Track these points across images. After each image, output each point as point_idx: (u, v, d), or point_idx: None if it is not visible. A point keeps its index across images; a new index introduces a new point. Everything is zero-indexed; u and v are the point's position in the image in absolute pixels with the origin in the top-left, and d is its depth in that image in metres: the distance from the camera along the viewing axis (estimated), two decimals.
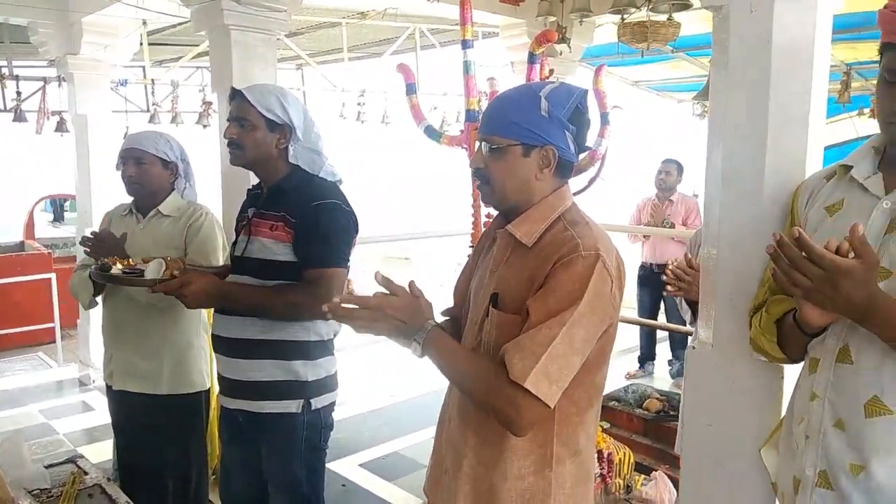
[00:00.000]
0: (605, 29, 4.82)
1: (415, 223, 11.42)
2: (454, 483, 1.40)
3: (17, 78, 5.98)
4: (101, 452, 3.36)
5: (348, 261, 1.90)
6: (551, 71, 2.73)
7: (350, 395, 2.11)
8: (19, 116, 6.04)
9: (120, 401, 2.37)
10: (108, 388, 2.40)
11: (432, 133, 3.28)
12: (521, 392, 1.19)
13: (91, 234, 2.24)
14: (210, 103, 6.59)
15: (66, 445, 3.93)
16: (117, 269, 1.96)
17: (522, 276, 1.31)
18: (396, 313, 1.25)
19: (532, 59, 2.58)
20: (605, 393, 2.87)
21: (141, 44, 5.43)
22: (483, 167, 1.36)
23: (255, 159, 1.94)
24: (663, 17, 3.62)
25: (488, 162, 1.34)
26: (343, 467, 3.59)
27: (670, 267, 2.01)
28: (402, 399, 4.71)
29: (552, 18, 4.14)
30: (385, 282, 1.28)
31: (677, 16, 3.67)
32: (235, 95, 1.93)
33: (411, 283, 1.32)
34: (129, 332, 2.30)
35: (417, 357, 1.30)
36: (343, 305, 1.26)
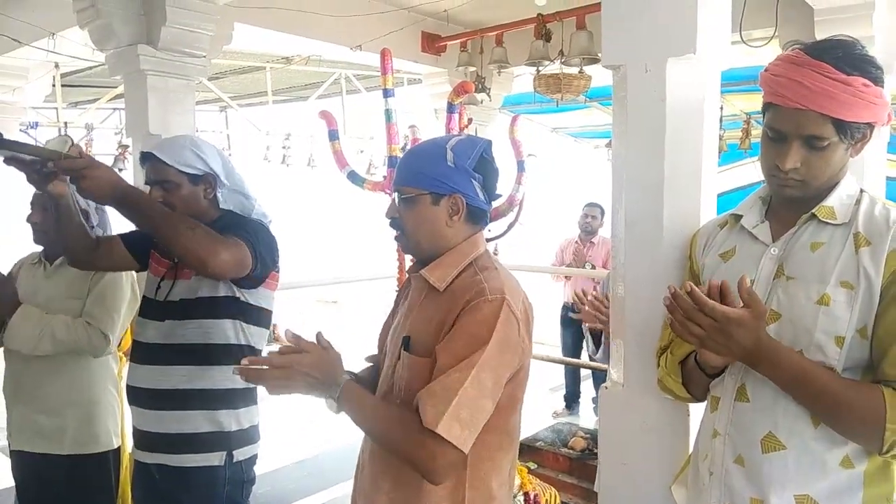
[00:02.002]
0: (523, 79, 5.03)
1: (343, 267, 11.33)
2: None
3: None
4: None
5: (256, 257, 1.79)
6: (470, 120, 2.83)
7: (275, 445, 2.05)
8: None
9: (20, 462, 2.23)
10: (11, 449, 2.25)
11: (356, 178, 3.30)
12: (434, 438, 1.20)
13: None
14: (126, 146, 6.41)
15: None
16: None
17: (433, 320, 1.34)
18: (309, 370, 1.25)
19: (451, 108, 2.66)
20: (531, 433, 2.89)
21: (53, 86, 5.26)
22: (397, 216, 1.40)
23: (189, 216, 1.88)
24: (575, 70, 3.82)
25: (402, 211, 1.39)
26: None
27: (590, 298, 2.11)
28: (329, 449, 4.59)
29: (472, 68, 4.30)
30: (294, 339, 1.29)
31: (588, 69, 3.88)
32: (147, 158, 1.87)
33: (318, 335, 1.33)
34: (29, 387, 2.19)
35: (334, 413, 1.30)
36: (253, 367, 1.25)
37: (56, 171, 1.61)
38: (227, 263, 1.69)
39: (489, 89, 4.34)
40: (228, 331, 1.87)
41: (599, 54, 3.67)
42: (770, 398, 1.28)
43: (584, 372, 5.46)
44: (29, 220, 2.20)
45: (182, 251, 1.66)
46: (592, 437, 3.46)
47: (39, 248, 2.28)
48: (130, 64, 3.15)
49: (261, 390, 1.99)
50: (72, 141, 1.61)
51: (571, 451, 3.33)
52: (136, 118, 3.24)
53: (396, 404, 1.34)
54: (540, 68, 3.87)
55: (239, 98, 7.94)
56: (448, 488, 1.33)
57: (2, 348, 2.33)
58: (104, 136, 6.65)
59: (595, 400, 5.28)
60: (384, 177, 3.16)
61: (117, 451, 2.31)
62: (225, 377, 1.87)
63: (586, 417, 5.22)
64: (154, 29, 3.12)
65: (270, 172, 7.52)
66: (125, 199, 1.64)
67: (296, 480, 4.04)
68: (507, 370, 1.30)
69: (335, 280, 6.78)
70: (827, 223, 1.29)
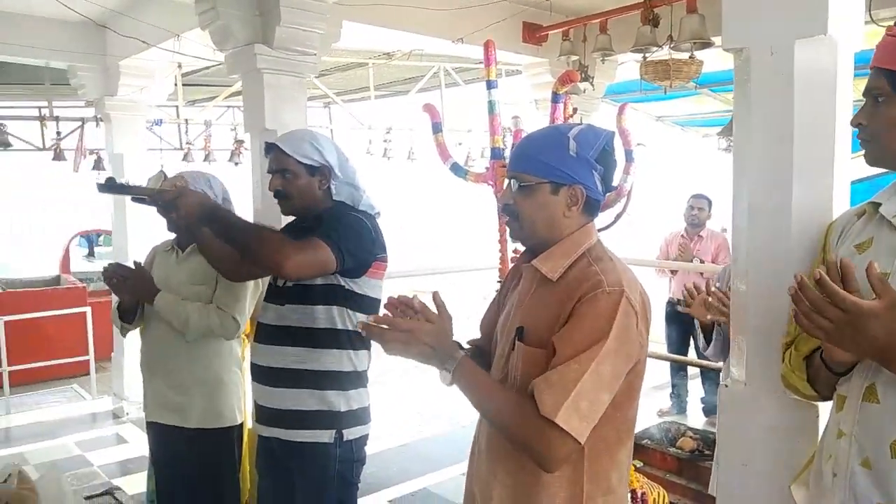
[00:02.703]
0: (627, 66, 4.89)
1: (441, 258, 11.48)
2: None
3: (56, 118, 6.23)
4: (135, 485, 3.40)
5: (342, 255, 1.87)
6: (575, 109, 2.78)
7: (379, 429, 2.12)
8: (58, 155, 6.27)
9: (154, 432, 2.43)
10: (146, 420, 2.45)
11: (458, 170, 3.33)
12: (551, 427, 1.20)
13: (111, 265, 2.29)
14: (241, 142, 6.78)
15: (101, 477, 3.98)
16: (122, 182, 2.03)
17: (547, 311, 1.33)
18: (428, 339, 1.27)
19: (556, 98, 2.63)
20: (637, 431, 2.83)
21: (175, 85, 5.63)
22: (512, 203, 1.40)
23: (302, 205, 2.02)
24: (685, 56, 3.67)
25: (517, 199, 1.38)
26: (372, 503, 3.58)
27: (713, 289, 2.05)
28: (431, 435, 4.69)
29: (574, 57, 4.22)
30: (422, 307, 1.32)
31: (699, 53, 3.72)
32: (271, 149, 2.02)
33: (435, 294, 1.36)
34: (163, 365, 2.36)
35: (446, 385, 1.32)
36: (377, 326, 1.29)
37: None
38: (302, 267, 1.81)
39: (592, 78, 4.26)
40: (335, 317, 1.96)
41: (712, 38, 3.53)
42: None
43: (691, 370, 5.26)
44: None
45: (260, 257, 1.84)
46: (702, 437, 3.35)
47: (172, 236, 2.45)
48: (247, 63, 3.32)
49: (379, 373, 2.08)
50: (164, 176, 1.93)
51: (680, 452, 3.24)
52: (253, 114, 3.42)
53: (511, 388, 1.35)
54: (647, 55, 3.74)
55: (342, 94, 8.20)
56: (567, 480, 1.32)
57: (137, 329, 2.55)
58: (221, 133, 7.05)
59: (704, 400, 5.09)
60: (487, 168, 3.18)
61: (240, 427, 2.46)
62: (333, 359, 1.96)
63: (694, 417, 5.03)
64: (269, 29, 3.28)
65: (372, 166, 7.71)
66: (212, 216, 1.88)
67: (399, 464, 4.14)
68: (625, 363, 1.28)
69: (435, 270, 6.87)
70: None
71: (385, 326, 1.28)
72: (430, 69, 6.99)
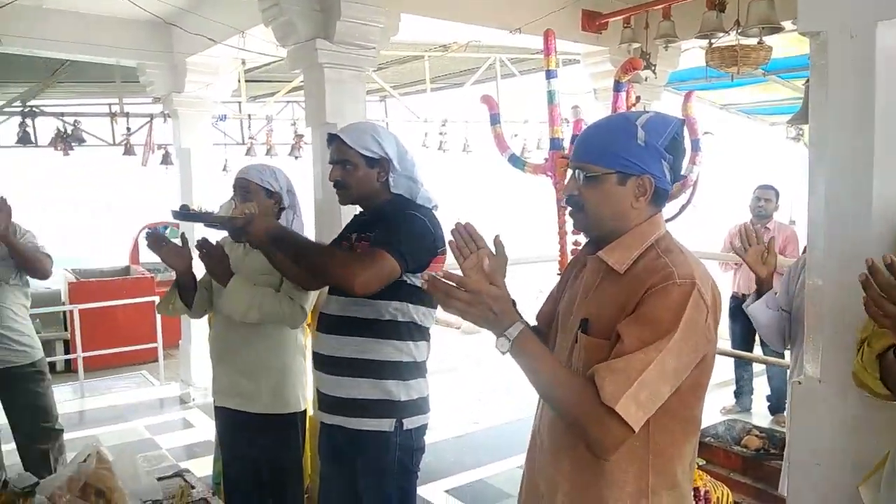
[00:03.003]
0: (691, 53, 4.75)
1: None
2: None
3: (127, 115, 6.49)
4: (201, 468, 3.52)
5: (405, 261, 1.90)
6: (638, 98, 2.72)
7: (434, 419, 2.14)
8: (129, 150, 6.53)
9: (222, 417, 2.51)
10: (215, 404, 2.53)
11: (516, 162, 3.31)
12: (609, 414, 1.19)
13: (202, 239, 2.36)
14: (301, 136, 6.92)
15: (169, 460, 4.15)
16: (194, 209, 2.14)
17: (613, 303, 1.31)
18: (492, 303, 1.23)
19: (618, 86, 2.58)
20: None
21: (239, 81, 5.78)
22: (577, 194, 1.37)
23: (360, 196, 2.07)
24: (754, 41, 3.53)
25: (583, 189, 1.36)
26: (429, 492, 3.61)
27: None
28: (485, 427, 4.70)
29: (636, 45, 4.13)
30: (490, 270, 1.29)
31: (768, 39, 3.58)
32: (333, 140, 2.06)
33: (496, 237, 1.37)
34: (231, 351, 2.43)
35: (502, 352, 1.26)
36: (442, 281, 1.25)
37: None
38: (370, 283, 1.85)
39: (654, 66, 4.15)
40: (396, 310, 1.99)
41: (782, 22, 3.39)
42: None
43: (755, 367, 5.10)
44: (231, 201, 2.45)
45: (329, 278, 1.94)
46: (768, 436, 3.25)
47: None
48: (309, 58, 3.38)
49: (444, 363, 2.10)
50: (235, 203, 2.05)
51: (745, 450, 3.15)
52: (314, 108, 3.48)
53: (571, 370, 1.33)
54: (713, 41, 3.62)
55: (398, 87, 8.25)
56: (632, 473, 1.31)
57: (205, 318, 2.63)
58: (281, 127, 7.20)
59: (770, 397, 4.93)
60: (545, 159, 3.15)
61: (304, 413, 2.52)
62: (393, 350, 1.99)
63: (759, 415, 4.89)
64: (330, 23, 3.32)
65: (428, 158, 7.75)
66: (281, 240, 1.98)
67: (454, 455, 4.17)
68: (691, 358, 1.26)
69: None
70: None
71: (452, 283, 1.25)
72: (485, 60, 6.95)
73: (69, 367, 6.39)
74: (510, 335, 1.24)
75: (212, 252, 2.33)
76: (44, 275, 3.20)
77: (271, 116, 6.95)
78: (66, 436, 3.37)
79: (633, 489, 1.31)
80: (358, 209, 2.19)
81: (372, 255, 1.88)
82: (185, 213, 2.13)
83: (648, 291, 1.25)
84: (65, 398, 5.46)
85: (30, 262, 3.09)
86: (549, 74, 2.93)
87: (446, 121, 7.73)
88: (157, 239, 2.33)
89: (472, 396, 5.16)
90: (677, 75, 5.00)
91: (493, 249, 1.37)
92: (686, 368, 1.25)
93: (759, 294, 2.26)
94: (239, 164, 3.67)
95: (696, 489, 2.54)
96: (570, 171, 1.41)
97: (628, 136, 1.31)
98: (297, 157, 6.87)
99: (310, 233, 2.63)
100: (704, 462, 3.08)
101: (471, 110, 7.94)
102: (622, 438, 1.21)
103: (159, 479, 2.02)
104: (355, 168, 2.02)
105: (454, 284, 1.24)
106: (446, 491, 3.70)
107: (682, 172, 2.28)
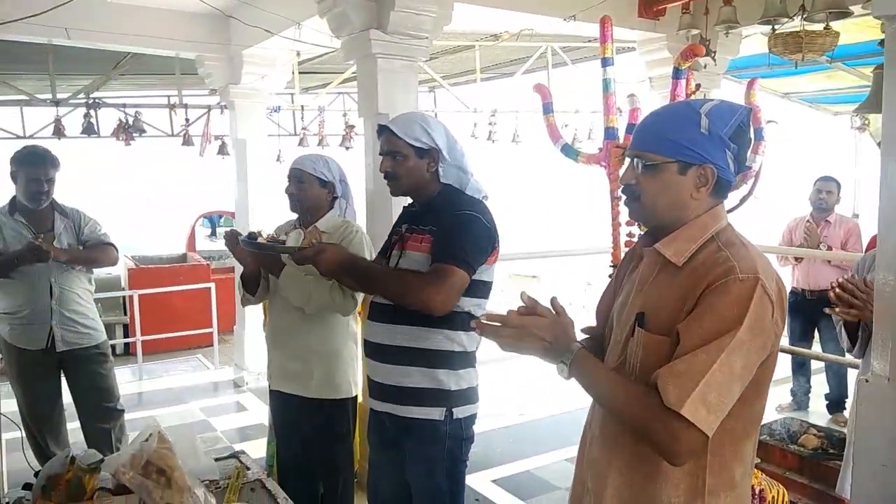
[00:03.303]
0: (752, 40, 4.59)
1: (544, 241, 11.37)
2: None
3: (185, 106, 6.66)
4: (254, 450, 3.61)
5: (472, 269, 1.93)
6: (698, 86, 2.65)
7: (481, 410, 2.14)
8: (187, 141, 6.70)
9: (276, 400, 2.56)
10: (270, 388, 2.58)
11: (569, 151, 3.28)
12: (677, 419, 1.16)
13: (250, 233, 2.37)
14: (352, 127, 6.98)
15: (224, 441, 4.27)
16: (262, 238, 2.15)
17: (671, 297, 1.28)
18: (542, 333, 1.26)
19: (677, 73, 2.52)
20: None
21: (293, 73, 5.86)
22: (634, 183, 1.34)
23: (410, 187, 2.07)
24: (819, 27, 3.39)
25: (640, 178, 1.33)
26: (476, 481, 3.62)
27: (840, 281, 1.89)
28: (532, 418, 4.68)
29: (695, 31, 4.02)
30: (531, 302, 1.31)
31: (835, 24, 3.43)
32: (383, 131, 2.06)
33: (553, 300, 1.33)
34: (285, 336, 2.48)
35: (564, 378, 1.30)
36: (490, 323, 1.29)
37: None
38: (447, 302, 1.90)
39: (714, 53, 4.03)
40: None
41: (850, 7, 3.24)
42: None
43: (813, 365, 4.93)
44: (286, 191, 2.49)
45: (406, 302, 1.94)
46: (826, 435, 3.15)
47: (294, 216, 2.57)
48: (362, 48, 3.40)
49: (489, 354, 2.10)
50: (303, 235, 2.05)
51: (802, 449, 3.06)
52: (367, 99, 3.50)
53: (632, 379, 1.31)
54: (776, 27, 3.49)
55: (448, 77, 8.23)
56: (688, 473, 1.28)
57: (260, 304, 2.69)
58: (332, 119, 7.28)
59: (829, 396, 4.77)
60: (599, 149, 3.10)
61: (354, 399, 2.56)
62: (444, 339, 1.99)
63: (816, 413, 4.73)
64: (384, 14, 3.33)
65: (477, 149, 7.72)
66: (351, 269, 2.03)
67: (501, 446, 4.17)
68: (757, 355, 1.22)
69: (540, 254, 6.80)
70: None
71: (497, 324, 1.28)
72: (537, 49, 6.87)
73: (128, 351, 6.63)
74: (566, 360, 1.27)
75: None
76: (110, 265, 3.33)
77: (323, 107, 7.03)
78: (127, 416, 3.49)
79: (687, 488, 1.28)
80: (407, 200, 2.20)
81: (443, 273, 1.88)
82: (254, 243, 2.16)
83: (709, 287, 1.21)
84: (124, 380, 5.66)
85: (90, 264, 3.23)
86: (605, 62, 2.88)
87: (496, 111, 7.67)
88: (232, 237, 2.38)
89: (518, 388, 5.15)
90: (737, 63, 4.84)
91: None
92: (754, 366, 1.22)
93: (851, 339, 2.14)
94: (292, 154, 3.73)
95: (751, 488, 2.48)
96: (627, 160, 1.38)
97: (691, 124, 1.28)
98: (348, 148, 6.94)
99: (361, 222, 2.64)
100: (759, 460, 3.01)
101: (521, 100, 7.87)
102: (695, 444, 1.18)
103: (217, 459, 2.07)
104: (405, 159, 2.02)
105: (499, 324, 1.27)
106: (493, 481, 3.70)
107: (746, 163, 2.21)
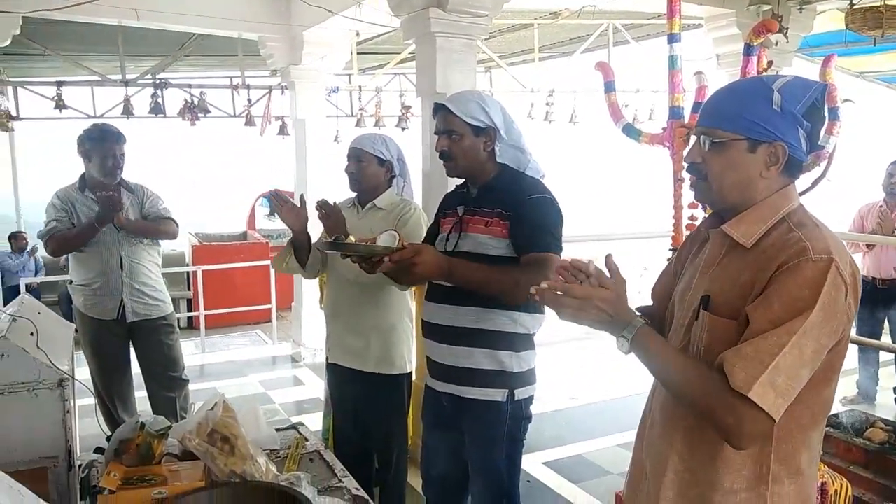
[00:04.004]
0: (827, 15, 4.37)
1: (600, 225, 11.20)
2: (656, 488, 1.36)
3: (248, 87, 6.79)
4: (310, 422, 3.69)
5: (562, 250, 1.94)
6: (770, 63, 2.53)
7: (537, 392, 2.14)
8: (249, 121, 6.84)
9: (334, 374, 2.61)
10: (327, 361, 2.63)
11: (631, 131, 3.19)
12: (743, 402, 1.13)
13: (323, 202, 2.41)
14: (409, 107, 7.00)
15: (282, 414, 4.40)
16: (351, 239, 2.06)
17: (739, 279, 1.24)
18: (605, 306, 1.23)
19: (749, 50, 2.42)
20: None
21: (351, 53, 5.90)
22: (700, 162, 1.30)
23: (467, 167, 2.03)
24: None
25: (707, 156, 1.28)
26: (527, 463, 3.61)
27: None
28: (583, 403, 4.65)
29: (766, 7, 3.86)
30: (597, 273, 1.27)
31: None
32: (439, 109, 2.03)
33: (608, 258, 1.30)
34: (344, 310, 2.52)
35: (623, 352, 1.27)
36: (551, 291, 1.26)
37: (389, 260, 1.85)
38: None
39: (786, 29, 3.85)
40: None
41: None
42: None
43: (882, 356, 4.72)
44: (346, 170, 2.53)
45: (511, 300, 1.89)
46: (895, 429, 3.01)
47: (354, 194, 2.60)
48: (422, 27, 3.39)
49: (539, 337, 2.09)
50: (398, 237, 1.91)
51: (868, 443, 2.94)
52: (425, 78, 3.50)
53: (696, 358, 1.28)
54: (854, 2, 3.32)
55: (505, 57, 8.14)
56: (751, 458, 1.25)
57: (318, 278, 2.73)
58: (389, 99, 7.31)
59: None
60: (663, 129, 3.01)
61: (409, 377, 2.59)
62: (506, 321, 1.97)
63: (884, 406, 4.53)
64: None
65: (533, 130, 7.62)
66: (450, 271, 1.88)
67: (552, 429, 4.16)
68: (829, 339, 1.17)
69: (598, 237, 6.71)
70: None
71: (560, 292, 1.26)
72: (598, 27, 6.71)
73: (191, 325, 6.88)
74: (627, 335, 1.24)
75: (330, 212, 2.39)
76: (170, 238, 3.46)
77: (380, 88, 7.06)
78: (191, 387, 3.62)
79: (750, 474, 1.26)
80: (456, 183, 2.17)
81: (545, 262, 1.85)
82: (341, 245, 2.00)
83: (780, 269, 1.17)
84: (188, 352, 5.83)
85: (151, 235, 3.35)
86: (672, 38, 2.78)
87: (553, 91, 7.55)
88: (279, 198, 2.43)
89: (569, 372, 5.12)
90: (811, 40, 4.62)
91: (605, 272, 1.29)
92: (824, 351, 1.18)
93: None
94: (349, 135, 3.77)
95: None
96: (693, 138, 1.34)
97: (762, 100, 1.23)
98: (404, 129, 6.96)
99: (417, 201, 2.65)
100: (823, 453, 2.91)
101: (579, 80, 7.72)
102: (762, 428, 1.15)
103: (278, 429, 2.14)
104: (461, 138, 1.99)
105: (561, 293, 1.24)
106: (544, 463, 3.71)
107: (819, 143, 2.12)
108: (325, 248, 2.23)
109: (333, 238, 2.08)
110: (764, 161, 1.25)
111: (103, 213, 3.09)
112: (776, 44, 3.99)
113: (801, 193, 1.37)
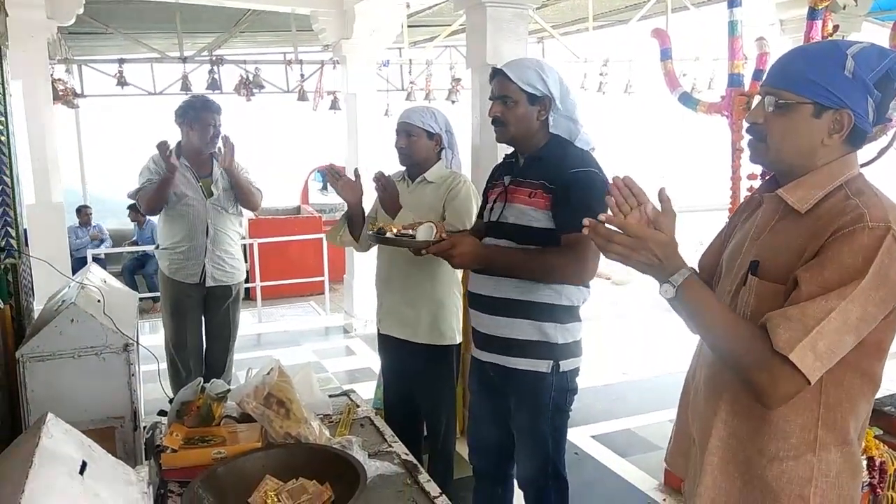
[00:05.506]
0: None
1: (654, 197, 10.95)
2: (703, 454, 1.35)
3: (301, 62, 6.87)
4: (361, 391, 3.78)
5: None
6: (836, 27, 2.41)
7: (583, 366, 2.13)
8: (302, 96, 6.93)
9: (386, 344, 2.66)
10: (379, 332, 2.69)
11: (688, 100, 3.11)
12: (782, 363, 1.12)
13: (380, 174, 2.44)
14: (459, 80, 6.96)
15: (334, 382, 4.52)
16: (392, 233, 2.10)
17: (791, 246, 1.22)
18: (657, 249, 1.20)
19: (813, 14, 2.31)
20: (877, 396, 2.55)
21: (402, 27, 5.89)
22: (761, 122, 1.26)
23: (518, 134, 2.01)
24: None
25: (769, 118, 1.25)
26: (576, 436, 3.64)
27: None
28: (634, 378, 4.61)
29: None
30: (655, 214, 1.23)
31: None
32: (496, 74, 2.01)
33: (661, 191, 1.25)
34: (396, 282, 2.55)
35: (666, 298, 1.23)
36: (605, 226, 1.23)
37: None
38: (594, 270, 1.93)
39: None
40: None
41: None
42: None
43: None
44: (396, 145, 2.54)
45: (556, 282, 1.95)
46: None
47: (403, 168, 2.61)
48: None
49: (584, 311, 2.07)
50: (436, 228, 1.97)
51: None
52: (475, 49, 3.47)
53: (741, 317, 1.25)
54: None
55: (558, 27, 7.97)
56: (799, 425, 1.24)
57: (367, 251, 2.77)
58: (439, 72, 7.29)
59: None
60: (721, 97, 2.92)
61: (458, 348, 2.62)
62: (552, 293, 1.97)
63: None
64: None
65: (587, 100, 7.48)
66: (489, 261, 1.95)
67: (602, 403, 4.14)
68: (879, 309, 1.14)
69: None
70: None
71: (615, 228, 1.22)
72: None
73: (248, 295, 7.09)
74: (675, 281, 1.21)
75: (386, 185, 2.42)
76: (254, 206, 3.57)
77: (431, 61, 7.04)
78: (248, 354, 3.75)
79: (798, 441, 1.24)
80: (505, 153, 2.14)
81: (584, 243, 1.82)
82: (385, 238, 2.08)
83: (834, 235, 1.14)
84: (244, 322, 6.08)
85: (245, 195, 3.46)
86: (732, 3, 2.69)
87: (608, 60, 7.38)
88: (334, 172, 2.47)
89: (620, 347, 5.08)
90: (882, 3, 4.37)
91: (657, 205, 1.25)
92: (873, 320, 1.15)
93: None
94: (399, 108, 3.78)
95: (871, 459, 2.34)
96: (757, 98, 1.29)
97: (835, 65, 1.18)
98: (454, 102, 6.95)
99: (465, 173, 2.64)
100: (881, 431, 2.82)
101: (635, 49, 7.52)
102: (795, 390, 1.14)
103: (330, 395, 2.21)
104: (516, 104, 1.96)
105: (616, 230, 1.21)
106: (592, 436, 3.70)
107: (888, 115, 2.02)
108: (369, 240, 2.27)
109: (376, 230, 2.12)
110: (828, 128, 1.21)
111: (165, 162, 3.19)
112: (844, 7, 3.78)
113: (864, 164, 1.32)
